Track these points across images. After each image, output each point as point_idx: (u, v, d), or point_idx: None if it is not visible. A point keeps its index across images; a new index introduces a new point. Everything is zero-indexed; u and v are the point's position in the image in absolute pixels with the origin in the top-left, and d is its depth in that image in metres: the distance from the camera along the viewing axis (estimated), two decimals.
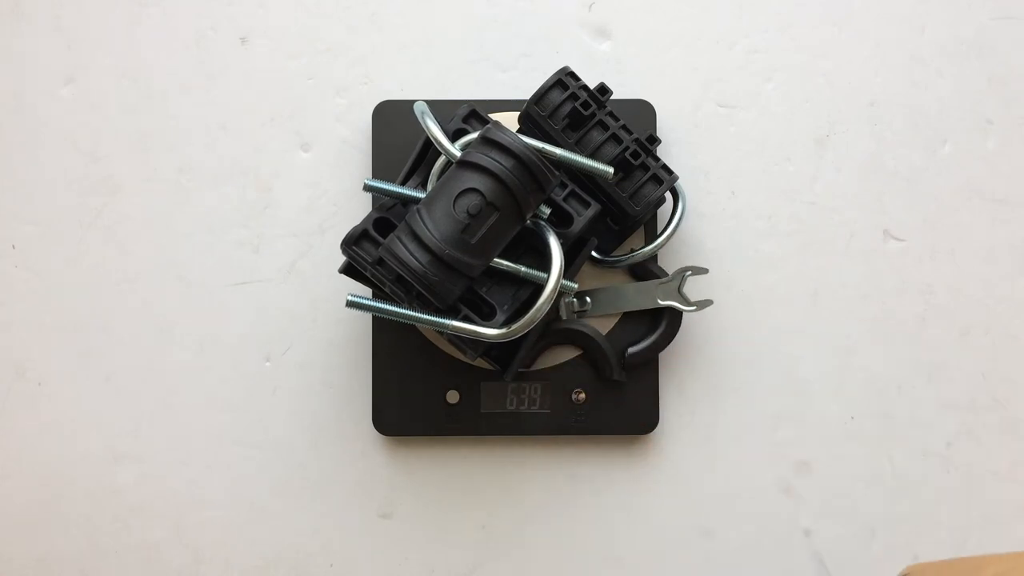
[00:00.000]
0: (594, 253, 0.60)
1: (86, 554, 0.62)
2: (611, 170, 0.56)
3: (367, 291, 0.58)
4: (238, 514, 0.62)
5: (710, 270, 0.61)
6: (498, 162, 0.52)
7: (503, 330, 0.54)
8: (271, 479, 0.62)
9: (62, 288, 0.63)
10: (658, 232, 0.60)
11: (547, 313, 0.54)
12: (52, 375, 0.62)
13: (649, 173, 0.58)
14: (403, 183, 0.57)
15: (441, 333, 0.56)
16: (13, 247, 0.63)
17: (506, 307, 0.55)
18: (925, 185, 0.63)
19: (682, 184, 0.61)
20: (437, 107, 0.57)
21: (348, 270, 0.57)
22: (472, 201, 0.52)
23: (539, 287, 0.55)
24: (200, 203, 0.63)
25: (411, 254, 0.52)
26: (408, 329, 0.60)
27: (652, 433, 0.62)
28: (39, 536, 0.62)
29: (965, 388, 0.63)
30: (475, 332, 0.54)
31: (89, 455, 0.62)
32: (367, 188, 0.55)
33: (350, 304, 0.54)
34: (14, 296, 0.63)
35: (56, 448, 0.62)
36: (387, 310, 0.54)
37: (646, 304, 0.60)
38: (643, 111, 0.62)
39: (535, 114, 0.58)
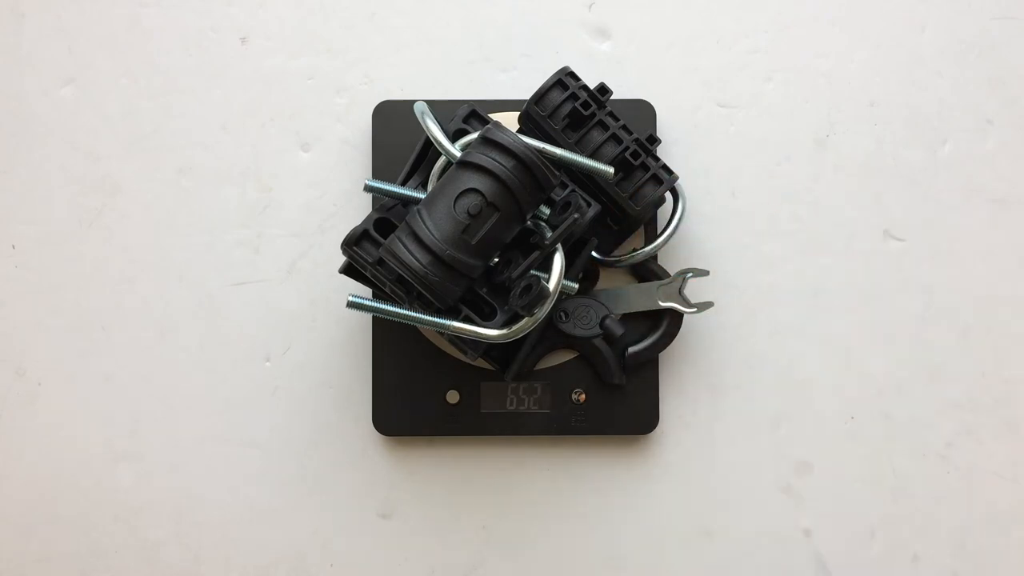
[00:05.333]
0: (594, 253, 0.60)
1: (86, 554, 0.62)
2: (611, 170, 0.56)
3: (367, 291, 0.58)
4: (238, 514, 0.62)
5: (710, 271, 0.61)
6: (498, 162, 0.52)
7: (504, 331, 0.54)
8: (271, 479, 0.62)
9: (62, 288, 0.63)
10: (658, 232, 0.60)
11: (548, 314, 0.54)
12: (52, 375, 0.62)
13: (649, 173, 0.58)
14: (403, 183, 0.57)
15: (441, 333, 0.56)
16: (13, 247, 0.63)
17: (506, 307, 0.54)
18: (925, 185, 0.63)
19: (682, 184, 0.61)
20: (437, 107, 0.57)
21: (348, 270, 0.57)
22: (472, 201, 0.52)
23: None
24: (200, 203, 0.63)
25: (411, 254, 0.52)
26: (408, 329, 0.60)
27: (652, 433, 0.62)
28: (39, 536, 0.62)
29: (965, 388, 0.63)
30: (476, 333, 0.54)
31: (89, 455, 0.62)
32: (367, 188, 0.55)
33: (350, 304, 0.54)
34: (14, 296, 0.63)
35: (56, 448, 0.62)
36: (387, 310, 0.54)
37: (647, 305, 0.60)
38: (643, 111, 0.62)
39: (535, 114, 0.58)
